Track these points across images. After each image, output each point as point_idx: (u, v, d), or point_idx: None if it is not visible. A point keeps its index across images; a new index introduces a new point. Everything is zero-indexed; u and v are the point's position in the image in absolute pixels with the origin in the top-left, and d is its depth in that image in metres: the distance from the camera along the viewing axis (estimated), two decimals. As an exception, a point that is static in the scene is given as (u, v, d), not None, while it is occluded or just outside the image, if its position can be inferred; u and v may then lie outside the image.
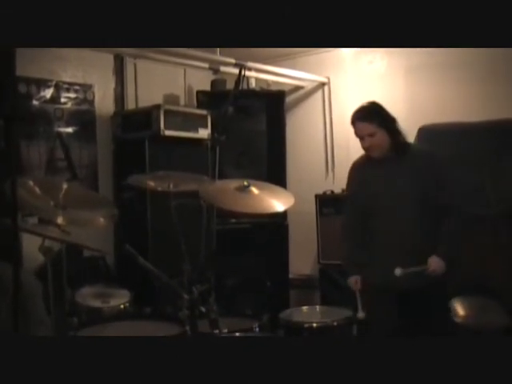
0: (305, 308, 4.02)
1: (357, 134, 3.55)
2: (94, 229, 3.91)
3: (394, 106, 5.35)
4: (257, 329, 3.17)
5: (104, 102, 5.21)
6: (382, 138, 3.48)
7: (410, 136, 4.82)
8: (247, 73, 4.97)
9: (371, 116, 3.50)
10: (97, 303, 3.94)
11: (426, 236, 3.43)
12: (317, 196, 5.39)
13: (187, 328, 2.87)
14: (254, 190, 3.25)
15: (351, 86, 5.70)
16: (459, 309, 4.38)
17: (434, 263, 3.35)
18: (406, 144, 3.56)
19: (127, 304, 3.96)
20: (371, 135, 3.48)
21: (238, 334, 3.10)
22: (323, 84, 5.91)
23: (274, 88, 5.83)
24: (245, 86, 5.40)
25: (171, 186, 3.39)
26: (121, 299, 4.00)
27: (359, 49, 5.56)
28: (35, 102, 4.66)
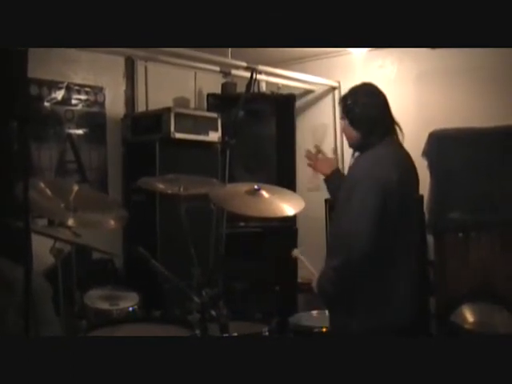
0: (314, 312, 4.00)
1: None
2: (103, 231, 3.92)
3: (404, 111, 5.37)
4: (266, 333, 3.16)
5: (114, 104, 5.22)
6: (345, 127, 2.97)
7: (421, 141, 4.86)
8: (258, 76, 4.97)
9: (341, 100, 3.02)
10: (105, 305, 3.93)
11: None
12: (326, 201, 5.36)
13: (197, 332, 2.87)
14: (265, 193, 3.24)
15: (361, 90, 5.69)
16: (468, 315, 4.37)
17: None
18: (364, 144, 2.90)
19: (136, 307, 3.96)
20: (342, 119, 3.03)
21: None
22: (333, 88, 5.89)
23: (284, 91, 5.81)
24: (255, 90, 5.39)
25: (181, 189, 3.39)
26: (129, 302, 4.00)
27: (370, 53, 5.55)
28: (46, 104, 4.67)
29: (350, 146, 3.02)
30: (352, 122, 2.90)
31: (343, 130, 3.04)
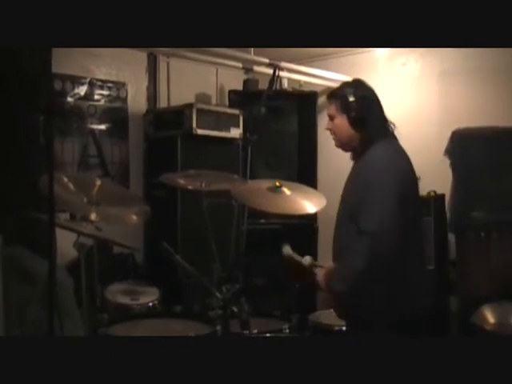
0: (334, 310, 3.99)
1: None
2: (124, 226, 3.93)
3: (428, 108, 5.36)
4: (287, 330, 3.16)
5: (137, 99, 5.24)
6: (340, 124, 2.81)
7: (444, 139, 4.82)
8: (280, 73, 4.95)
9: (334, 95, 2.85)
10: (126, 300, 3.95)
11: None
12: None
13: (218, 327, 2.87)
14: (286, 190, 3.24)
15: (384, 88, 5.64)
16: (488, 316, 4.33)
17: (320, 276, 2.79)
18: (366, 143, 2.78)
19: (156, 302, 3.97)
20: (331, 118, 2.87)
21: (268, 335, 3.09)
22: (356, 85, 5.86)
23: (306, 89, 5.79)
24: (277, 86, 5.37)
25: (203, 184, 3.39)
26: (150, 297, 4.01)
27: (393, 51, 5.52)
28: (69, 99, 4.70)
29: (342, 146, 2.90)
30: (355, 120, 2.77)
31: (337, 129, 2.86)
